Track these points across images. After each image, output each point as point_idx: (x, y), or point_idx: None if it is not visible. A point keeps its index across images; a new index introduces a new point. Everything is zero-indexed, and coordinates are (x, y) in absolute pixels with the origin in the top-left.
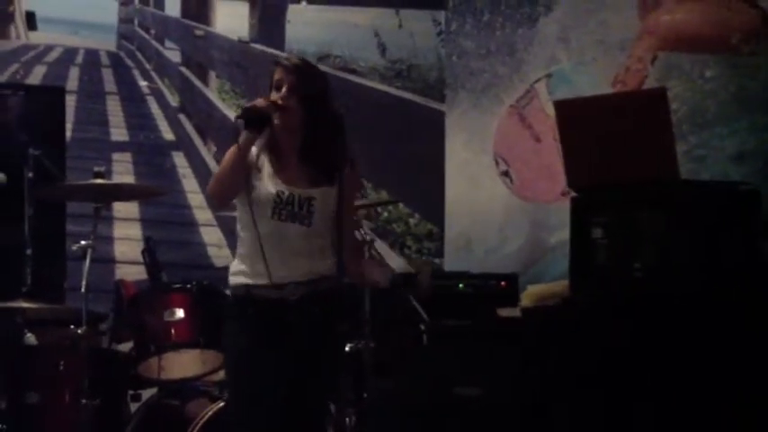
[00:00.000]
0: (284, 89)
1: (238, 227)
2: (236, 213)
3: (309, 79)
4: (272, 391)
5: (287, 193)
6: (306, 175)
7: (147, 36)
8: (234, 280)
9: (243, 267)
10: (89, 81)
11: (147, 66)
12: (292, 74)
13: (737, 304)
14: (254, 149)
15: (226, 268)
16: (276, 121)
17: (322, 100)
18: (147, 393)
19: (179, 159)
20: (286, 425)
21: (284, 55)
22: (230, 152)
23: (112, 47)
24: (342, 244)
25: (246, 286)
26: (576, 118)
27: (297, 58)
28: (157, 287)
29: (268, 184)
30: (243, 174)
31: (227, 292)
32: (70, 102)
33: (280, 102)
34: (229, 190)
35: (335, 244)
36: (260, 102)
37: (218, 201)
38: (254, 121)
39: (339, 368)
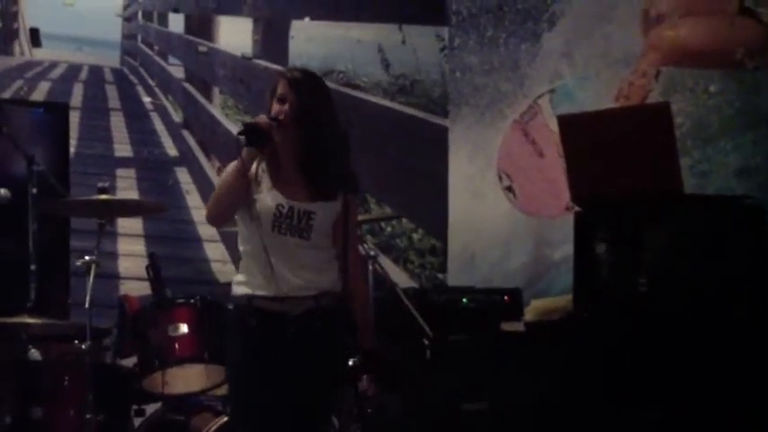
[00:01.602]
0: (287, 105)
1: (239, 240)
2: (237, 228)
3: (312, 94)
4: (273, 407)
5: (286, 206)
6: (305, 189)
7: (150, 52)
8: (236, 290)
9: (245, 278)
10: (93, 97)
11: (151, 82)
12: (295, 89)
13: (743, 318)
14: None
15: (229, 284)
16: (277, 138)
17: (323, 114)
18: (150, 408)
19: (183, 175)
20: None
21: (288, 67)
22: (227, 172)
23: (116, 63)
24: (347, 262)
25: (249, 297)
26: (579, 133)
27: (300, 72)
28: (161, 302)
29: (267, 197)
30: (241, 192)
31: (230, 306)
32: (74, 118)
33: (281, 117)
34: (228, 210)
35: (340, 261)
36: (261, 119)
37: (218, 221)
38: (255, 138)
39: (340, 384)
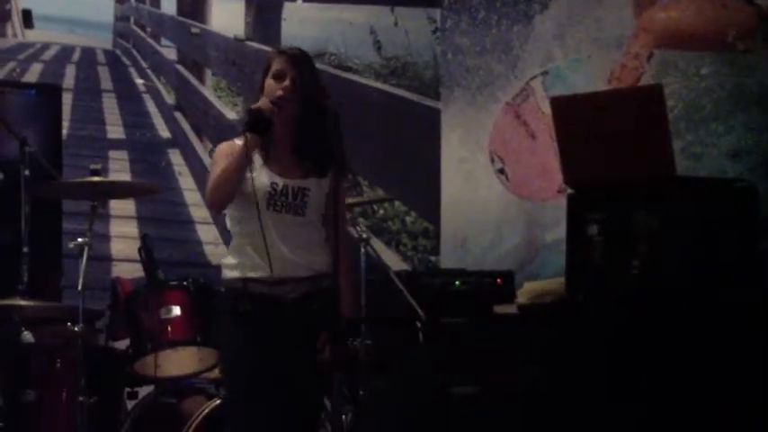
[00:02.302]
0: (287, 81)
1: (230, 222)
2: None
3: (310, 72)
4: (269, 389)
5: (281, 184)
6: (298, 166)
7: (143, 34)
8: (228, 274)
9: (240, 260)
10: (85, 79)
11: (143, 64)
12: (296, 65)
13: (734, 301)
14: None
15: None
16: (275, 119)
17: (319, 92)
18: (143, 391)
19: (175, 157)
20: (283, 422)
21: (283, 45)
22: (222, 153)
23: (109, 45)
24: (338, 241)
25: (244, 280)
26: (572, 115)
27: (297, 49)
28: (154, 285)
29: (261, 175)
30: (242, 178)
31: (221, 289)
32: (67, 99)
33: (281, 93)
34: (230, 196)
35: (332, 241)
36: (264, 104)
37: (220, 208)
38: (260, 125)
39: (335, 366)
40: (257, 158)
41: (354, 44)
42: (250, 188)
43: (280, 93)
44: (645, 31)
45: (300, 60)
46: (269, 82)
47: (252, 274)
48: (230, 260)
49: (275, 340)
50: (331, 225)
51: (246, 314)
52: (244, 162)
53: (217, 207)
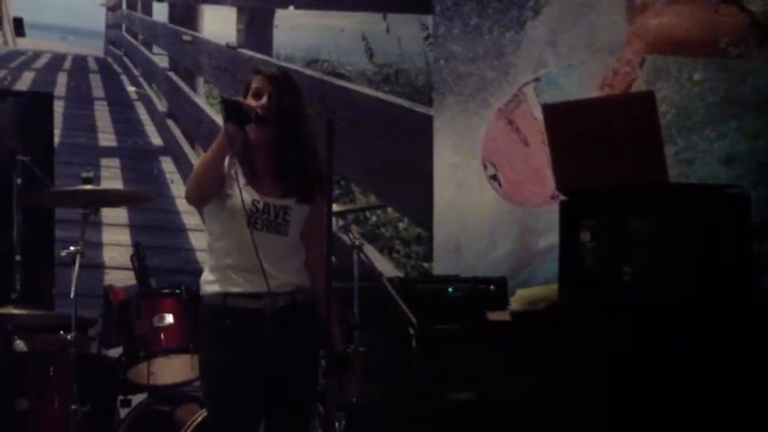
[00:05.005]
0: (264, 99)
1: (209, 238)
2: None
3: (288, 90)
4: (251, 404)
5: (262, 202)
6: (279, 186)
7: (134, 41)
8: (207, 289)
9: (218, 276)
10: (77, 87)
11: (135, 71)
12: (273, 84)
13: (727, 307)
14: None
15: None
16: (251, 135)
17: (298, 111)
18: (136, 399)
19: (167, 165)
20: None
21: (264, 64)
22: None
23: (100, 53)
24: (330, 256)
25: (223, 295)
26: (564, 121)
27: (277, 69)
28: (146, 292)
29: (242, 193)
30: (222, 168)
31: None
32: (58, 107)
33: (259, 110)
34: (211, 185)
35: (314, 258)
36: (248, 101)
37: (200, 198)
38: (236, 115)
39: (317, 377)
40: (240, 178)
41: (346, 51)
42: (231, 205)
43: (259, 111)
44: (637, 37)
45: (279, 79)
46: (249, 101)
47: (232, 289)
48: (209, 276)
49: (256, 354)
50: (312, 238)
51: (227, 329)
52: (224, 150)
53: (197, 196)
